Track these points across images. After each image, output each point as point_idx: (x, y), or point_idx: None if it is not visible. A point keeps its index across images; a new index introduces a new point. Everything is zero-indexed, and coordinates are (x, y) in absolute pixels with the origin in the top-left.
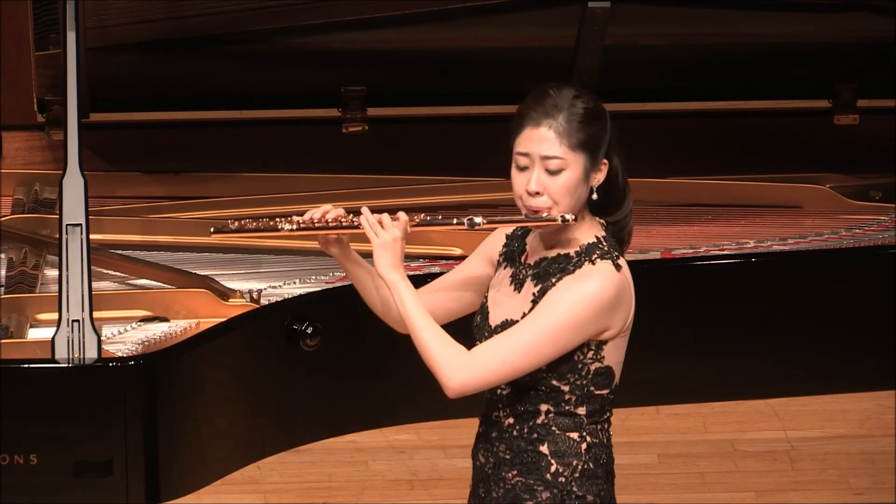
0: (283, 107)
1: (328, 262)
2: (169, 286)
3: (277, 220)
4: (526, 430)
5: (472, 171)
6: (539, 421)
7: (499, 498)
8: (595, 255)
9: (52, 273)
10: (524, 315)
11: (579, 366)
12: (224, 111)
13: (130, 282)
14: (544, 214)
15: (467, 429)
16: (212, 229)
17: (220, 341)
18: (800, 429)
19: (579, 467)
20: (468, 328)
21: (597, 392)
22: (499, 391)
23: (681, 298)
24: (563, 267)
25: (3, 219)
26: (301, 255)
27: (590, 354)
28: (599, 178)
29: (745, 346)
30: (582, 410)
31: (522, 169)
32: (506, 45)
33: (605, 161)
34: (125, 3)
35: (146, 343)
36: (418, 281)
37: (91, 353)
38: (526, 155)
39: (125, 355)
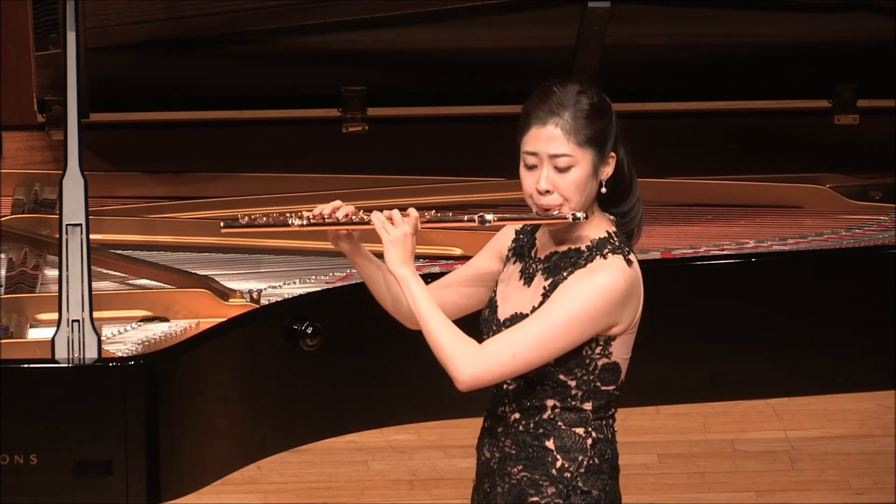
0: (283, 107)
1: (328, 262)
2: (169, 286)
3: (287, 215)
4: (532, 426)
5: (472, 171)
6: (545, 416)
7: (504, 493)
8: (606, 250)
9: (52, 273)
10: (534, 309)
11: (587, 361)
12: (224, 111)
13: (130, 282)
14: (555, 212)
15: (467, 429)
16: (222, 224)
17: (220, 341)
18: (800, 429)
19: (585, 463)
20: (476, 323)
21: (603, 388)
22: (505, 386)
23: (681, 298)
24: (574, 261)
25: (3, 219)
26: (301, 255)
27: (598, 350)
28: (608, 171)
29: (745, 346)
30: (588, 406)
31: (531, 168)
32: (506, 45)
33: (613, 154)
34: (125, 3)
35: (146, 343)
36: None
37: (91, 353)
38: (534, 154)
39: (125, 355)
